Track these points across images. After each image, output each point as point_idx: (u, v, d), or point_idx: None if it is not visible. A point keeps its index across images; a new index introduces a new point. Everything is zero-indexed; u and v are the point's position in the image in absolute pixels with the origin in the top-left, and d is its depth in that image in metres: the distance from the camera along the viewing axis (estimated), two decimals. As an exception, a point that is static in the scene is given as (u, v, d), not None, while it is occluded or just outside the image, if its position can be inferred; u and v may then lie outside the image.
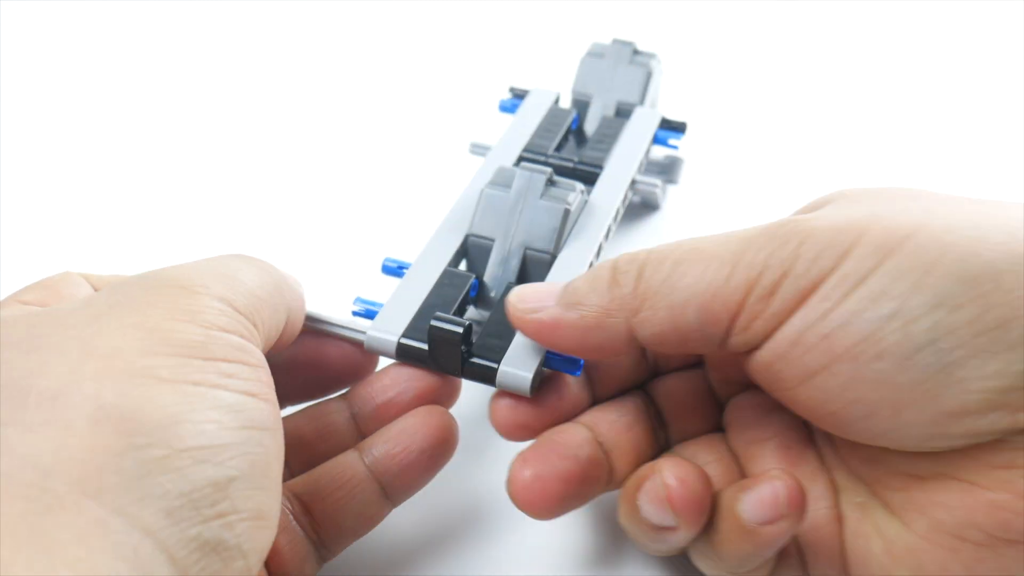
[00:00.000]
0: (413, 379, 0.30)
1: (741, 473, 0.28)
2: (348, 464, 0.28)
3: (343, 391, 0.30)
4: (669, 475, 0.25)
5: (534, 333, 0.27)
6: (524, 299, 0.28)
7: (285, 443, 0.29)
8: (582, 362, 0.30)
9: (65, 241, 0.43)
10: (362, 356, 0.31)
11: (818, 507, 0.27)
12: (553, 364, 0.30)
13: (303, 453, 0.29)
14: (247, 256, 0.27)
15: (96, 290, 0.27)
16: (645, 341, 0.26)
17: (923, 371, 0.22)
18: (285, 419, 0.29)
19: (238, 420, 0.21)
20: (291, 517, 0.27)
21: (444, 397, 0.30)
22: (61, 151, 0.48)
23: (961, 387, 0.22)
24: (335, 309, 0.32)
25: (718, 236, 0.26)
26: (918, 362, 0.22)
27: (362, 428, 0.29)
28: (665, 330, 0.25)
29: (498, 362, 0.29)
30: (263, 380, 0.23)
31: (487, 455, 0.34)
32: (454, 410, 0.29)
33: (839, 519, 0.27)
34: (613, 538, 0.31)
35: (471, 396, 0.35)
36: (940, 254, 0.23)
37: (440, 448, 0.28)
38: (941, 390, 0.22)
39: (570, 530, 0.31)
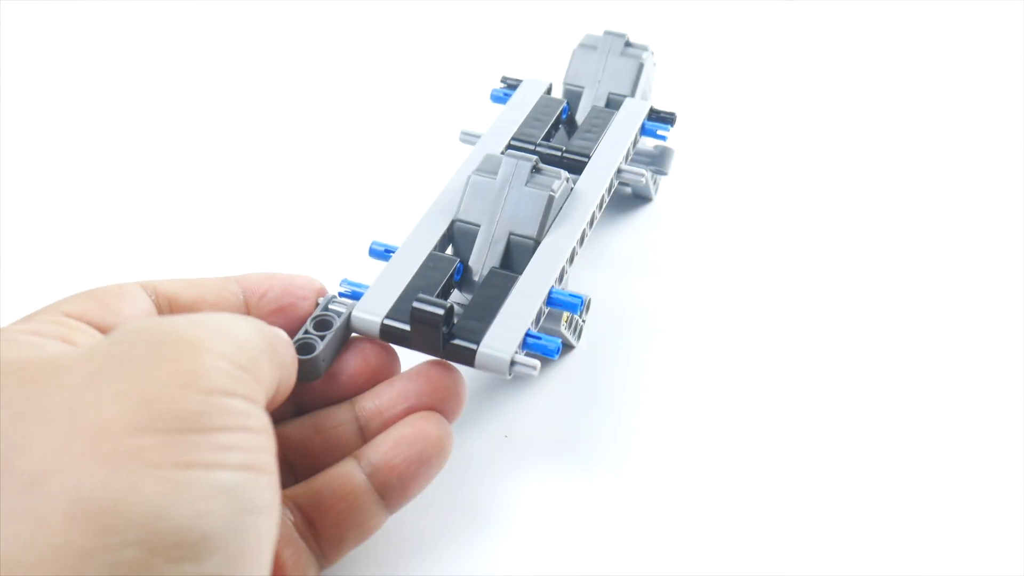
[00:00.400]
0: (423, 394, 0.30)
1: None
2: (349, 475, 0.28)
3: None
4: None
5: None
6: None
7: (293, 453, 0.29)
8: (559, 345, 0.30)
9: (61, 231, 0.44)
10: (383, 362, 0.31)
11: None
12: (531, 347, 0.30)
13: (309, 462, 0.29)
14: (234, 314, 0.26)
15: (157, 302, 0.27)
16: None
17: None
18: (293, 426, 0.30)
19: (232, 505, 0.20)
20: (294, 529, 0.27)
21: (450, 411, 0.30)
22: (48, 139, 0.49)
23: None
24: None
25: None
26: None
27: (368, 439, 0.30)
28: None
29: (477, 343, 0.30)
30: (264, 447, 0.21)
31: (483, 452, 0.34)
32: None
33: None
34: (612, 538, 0.32)
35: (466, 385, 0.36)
36: None
37: (436, 458, 0.29)
38: None
39: (569, 530, 0.32)
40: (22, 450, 0.19)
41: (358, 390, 0.31)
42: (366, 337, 0.31)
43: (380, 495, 0.28)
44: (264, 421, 0.22)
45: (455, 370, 0.31)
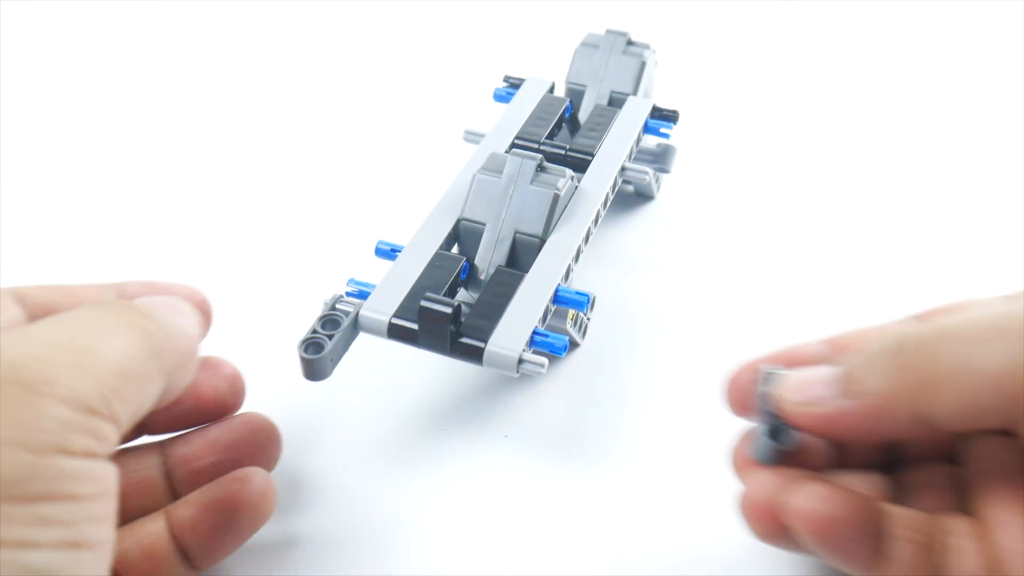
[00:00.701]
0: (231, 448, 0.29)
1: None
2: (156, 535, 0.27)
3: (159, 439, 0.30)
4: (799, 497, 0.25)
5: (814, 427, 0.26)
6: (798, 391, 0.27)
7: None
8: (567, 343, 0.31)
9: (58, 228, 0.44)
10: (231, 396, 0.30)
11: None
12: (539, 345, 0.30)
13: None
14: (121, 313, 0.23)
15: (31, 313, 0.26)
16: (934, 422, 0.25)
17: None
18: None
19: None
20: None
21: (268, 460, 0.30)
22: (50, 140, 0.49)
23: None
24: (330, 290, 0.33)
25: (1006, 307, 0.24)
26: None
27: (175, 487, 0.29)
28: (957, 413, 0.24)
29: (485, 341, 0.30)
30: (94, 516, 0.19)
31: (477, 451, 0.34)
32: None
33: None
34: (613, 538, 0.32)
35: (467, 381, 0.36)
36: None
37: (248, 523, 0.28)
38: None
39: (569, 530, 0.32)
40: None
41: (194, 421, 0.29)
42: (218, 369, 0.30)
43: (186, 557, 0.28)
44: (102, 480, 0.20)
45: (268, 419, 0.30)
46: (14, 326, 0.25)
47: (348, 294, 0.32)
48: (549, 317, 0.33)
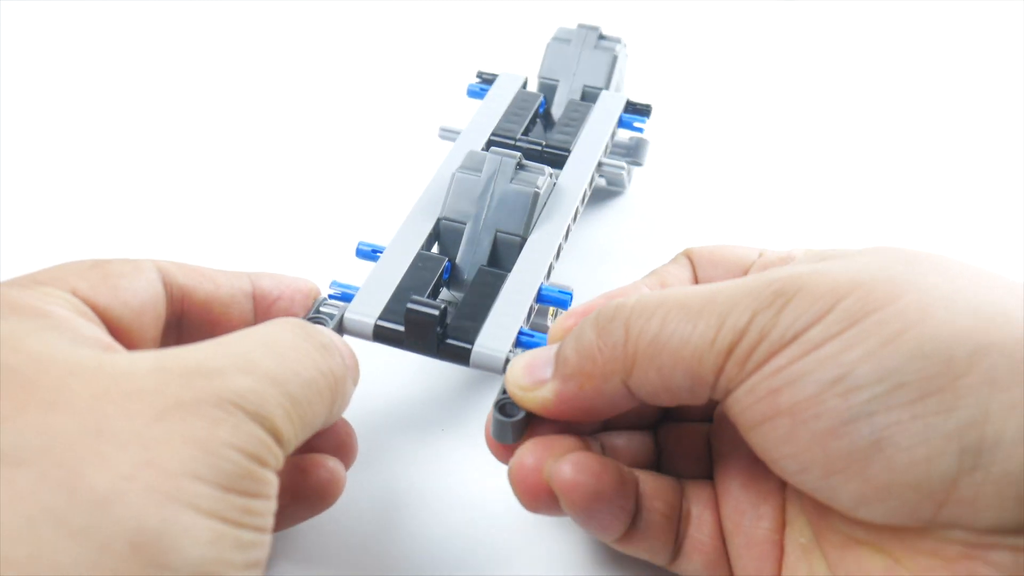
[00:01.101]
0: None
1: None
2: None
3: None
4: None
5: (542, 412, 0.27)
6: (520, 376, 0.27)
7: None
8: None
9: (45, 226, 0.43)
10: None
11: (760, 525, 0.27)
12: (525, 345, 0.31)
13: None
14: (310, 340, 0.26)
15: (170, 292, 0.27)
16: (641, 397, 0.26)
17: (855, 441, 0.22)
18: None
19: (245, 559, 0.21)
20: None
21: (344, 456, 0.30)
22: (38, 138, 0.48)
23: (888, 465, 0.22)
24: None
25: (705, 290, 0.25)
26: (852, 431, 0.22)
27: None
28: (657, 389, 0.25)
29: (472, 343, 0.30)
30: (273, 511, 0.23)
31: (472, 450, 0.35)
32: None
33: (781, 549, 0.27)
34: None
35: (453, 381, 0.36)
36: (901, 329, 0.22)
37: (312, 505, 0.29)
38: (869, 464, 0.22)
39: (570, 530, 0.32)
40: (96, 466, 0.20)
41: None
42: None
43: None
44: (276, 486, 0.23)
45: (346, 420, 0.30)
46: (156, 301, 0.27)
47: (331, 296, 0.32)
48: (533, 316, 0.33)
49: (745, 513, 0.27)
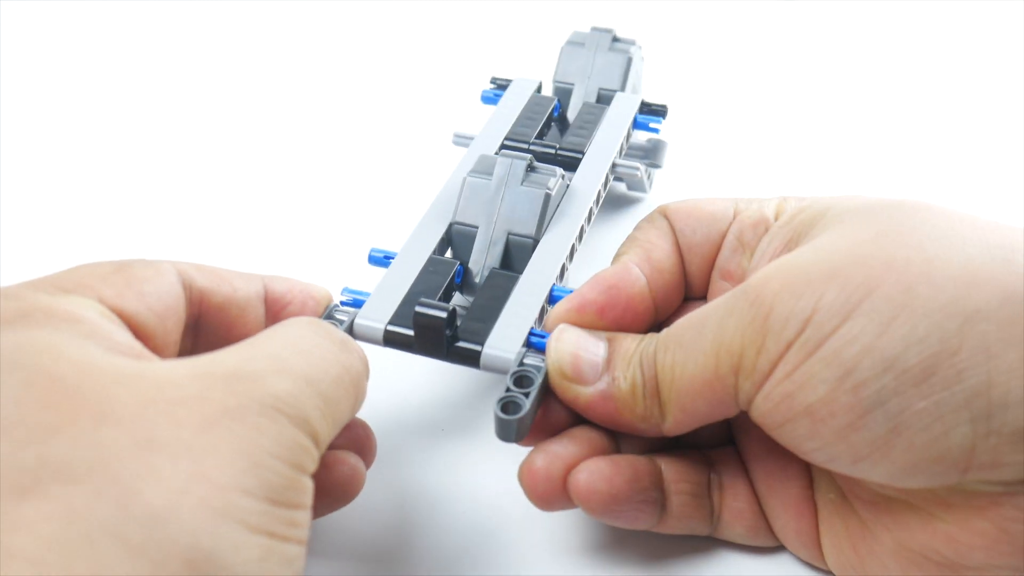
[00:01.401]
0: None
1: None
2: None
3: None
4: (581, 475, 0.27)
5: (574, 406, 0.28)
6: (567, 364, 0.28)
7: None
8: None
9: (50, 233, 0.44)
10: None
11: (792, 485, 0.29)
12: (535, 346, 0.30)
13: None
14: (334, 342, 0.26)
15: (190, 295, 0.27)
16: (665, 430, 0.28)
17: (873, 431, 0.24)
18: None
19: (289, 573, 0.21)
20: None
21: (364, 455, 0.30)
22: (40, 141, 0.49)
23: (909, 446, 0.23)
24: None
25: (694, 323, 0.27)
26: (868, 422, 0.23)
27: None
28: (688, 421, 0.27)
29: (482, 345, 0.30)
30: (309, 523, 0.23)
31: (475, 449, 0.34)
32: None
33: (814, 505, 0.28)
34: (615, 537, 0.31)
35: (465, 384, 0.36)
36: (892, 316, 0.23)
37: (333, 500, 0.28)
38: (891, 448, 0.24)
39: (569, 530, 0.32)
40: (150, 480, 0.20)
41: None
42: None
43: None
44: (312, 494, 0.23)
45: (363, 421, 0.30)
46: (177, 305, 0.27)
47: (343, 303, 0.32)
48: (545, 317, 0.32)
49: (775, 476, 0.29)
